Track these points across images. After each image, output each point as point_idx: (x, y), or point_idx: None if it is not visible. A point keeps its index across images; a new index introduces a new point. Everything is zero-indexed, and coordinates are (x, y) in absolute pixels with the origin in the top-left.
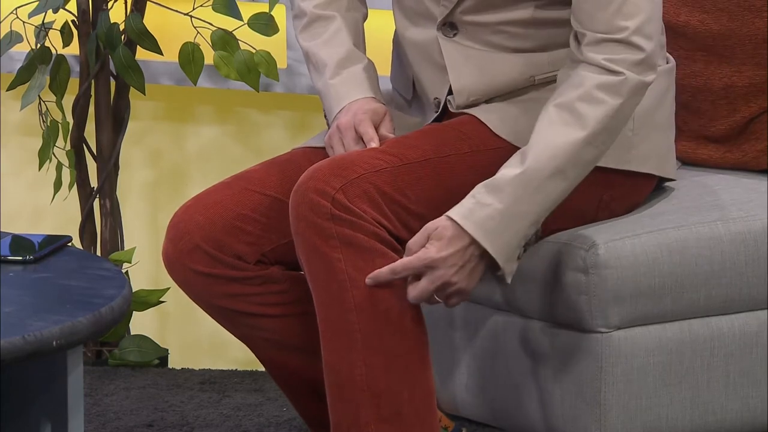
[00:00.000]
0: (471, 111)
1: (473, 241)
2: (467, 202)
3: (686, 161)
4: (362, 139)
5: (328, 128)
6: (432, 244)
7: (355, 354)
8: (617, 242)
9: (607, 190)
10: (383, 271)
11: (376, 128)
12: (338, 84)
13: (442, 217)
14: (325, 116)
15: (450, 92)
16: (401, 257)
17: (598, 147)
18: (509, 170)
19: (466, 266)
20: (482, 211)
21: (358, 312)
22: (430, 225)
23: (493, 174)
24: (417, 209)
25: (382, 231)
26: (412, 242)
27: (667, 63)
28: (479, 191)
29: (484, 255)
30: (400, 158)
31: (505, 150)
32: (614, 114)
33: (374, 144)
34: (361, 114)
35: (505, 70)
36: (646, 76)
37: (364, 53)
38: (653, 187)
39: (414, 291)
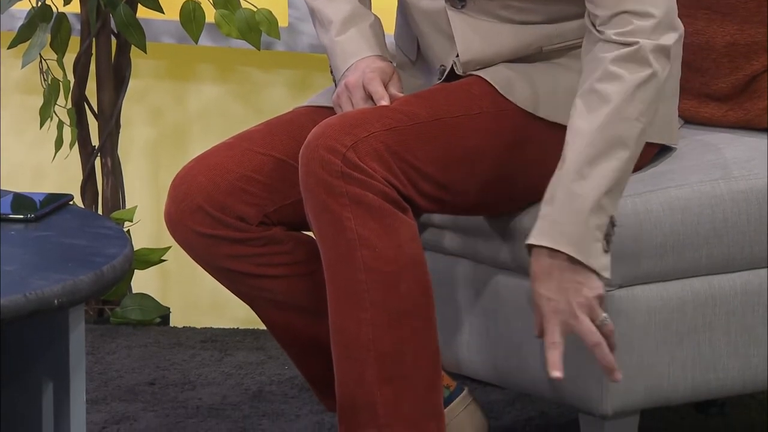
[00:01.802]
0: (478, 72)
1: (549, 250)
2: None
3: (688, 120)
4: (371, 98)
5: (335, 85)
6: (537, 286)
7: (362, 313)
8: (620, 201)
9: None
10: (554, 358)
11: (385, 87)
12: (345, 41)
13: (529, 255)
14: (332, 73)
15: (456, 57)
16: (409, 217)
17: (638, 119)
18: (555, 174)
19: (570, 281)
20: (543, 222)
21: (367, 272)
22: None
23: (500, 136)
24: (425, 169)
25: (391, 190)
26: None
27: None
28: (541, 209)
29: (568, 258)
30: (410, 117)
31: (512, 112)
32: (640, 83)
33: (384, 102)
34: (369, 72)
35: (513, 41)
36: (664, 39)
37: (370, 9)
38: (655, 151)
39: (588, 337)
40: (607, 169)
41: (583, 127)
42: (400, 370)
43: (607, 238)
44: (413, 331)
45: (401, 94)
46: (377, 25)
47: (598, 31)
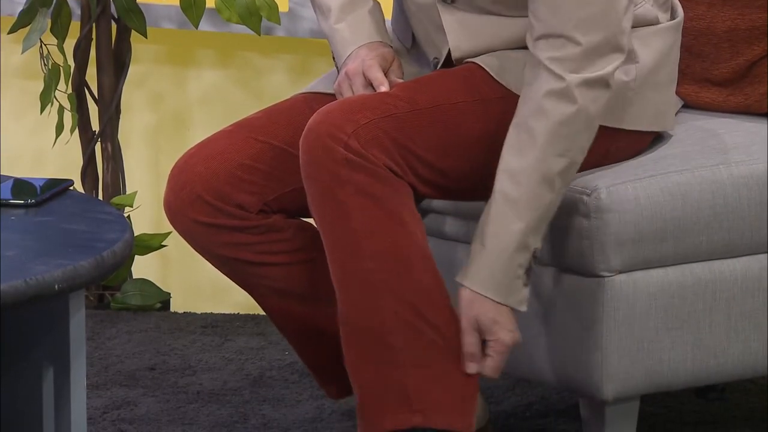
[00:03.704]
0: (473, 59)
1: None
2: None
3: (689, 105)
4: (371, 85)
5: (338, 71)
6: (465, 324)
7: (382, 302)
8: (619, 186)
9: (613, 143)
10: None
11: (385, 73)
12: (343, 29)
13: (462, 291)
14: (334, 60)
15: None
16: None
17: (564, 155)
18: (486, 208)
19: (488, 320)
20: (472, 264)
21: (373, 260)
22: (470, 316)
23: (498, 121)
24: (425, 155)
25: (392, 176)
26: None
27: (673, 18)
28: (472, 244)
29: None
30: (409, 104)
31: (508, 98)
32: (564, 120)
33: (384, 88)
34: (369, 59)
35: (504, 35)
36: (595, 69)
37: None
38: (651, 139)
39: (490, 369)
40: (531, 208)
41: (512, 166)
42: (429, 354)
43: (528, 272)
44: (437, 316)
45: (401, 80)
46: (377, 10)
47: (534, 44)
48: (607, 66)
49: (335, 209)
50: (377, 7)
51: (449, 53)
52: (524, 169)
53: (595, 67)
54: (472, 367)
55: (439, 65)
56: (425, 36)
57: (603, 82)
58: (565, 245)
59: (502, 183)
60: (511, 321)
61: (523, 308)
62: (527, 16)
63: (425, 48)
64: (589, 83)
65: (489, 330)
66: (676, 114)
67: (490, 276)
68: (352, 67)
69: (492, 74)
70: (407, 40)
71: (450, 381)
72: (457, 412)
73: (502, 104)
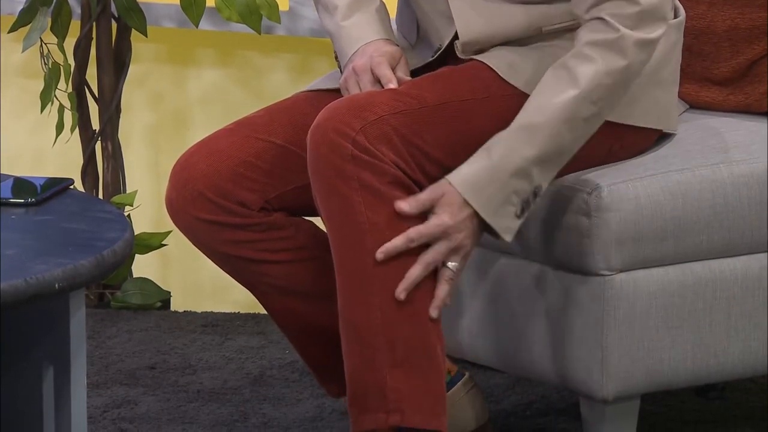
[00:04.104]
0: (479, 57)
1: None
2: (463, 165)
3: (690, 104)
4: (379, 82)
5: (340, 70)
6: (444, 211)
7: (372, 298)
8: (620, 185)
9: (617, 141)
10: (397, 241)
11: (393, 71)
12: (350, 26)
13: (446, 183)
14: (336, 58)
15: (455, 38)
16: None
17: (596, 104)
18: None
19: (472, 228)
20: (469, 168)
21: (373, 256)
22: (437, 191)
23: (505, 119)
24: (433, 153)
25: (400, 174)
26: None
27: (676, 17)
28: (477, 153)
29: (475, 212)
30: (418, 101)
31: (516, 97)
32: (609, 71)
33: (392, 85)
34: (377, 56)
35: (512, 20)
36: (649, 32)
37: None
38: (657, 136)
39: (428, 256)
40: (545, 139)
41: (543, 97)
42: (408, 355)
43: (525, 205)
44: (421, 316)
45: (408, 78)
46: (383, 9)
47: (587, 9)
48: (657, 30)
49: (341, 204)
50: (383, 6)
51: (451, 43)
52: (554, 104)
53: (648, 29)
54: (425, 264)
55: (440, 51)
56: (430, 24)
57: (652, 46)
58: (565, 244)
59: (526, 111)
60: (476, 237)
61: (508, 238)
62: (536, 2)
63: (430, 37)
64: (642, 43)
65: (454, 237)
66: (679, 116)
67: (482, 187)
68: (359, 63)
69: (500, 73)
70: (411, 35)
71: (425, 380)
72: (432, 411)
73: (510, 102)
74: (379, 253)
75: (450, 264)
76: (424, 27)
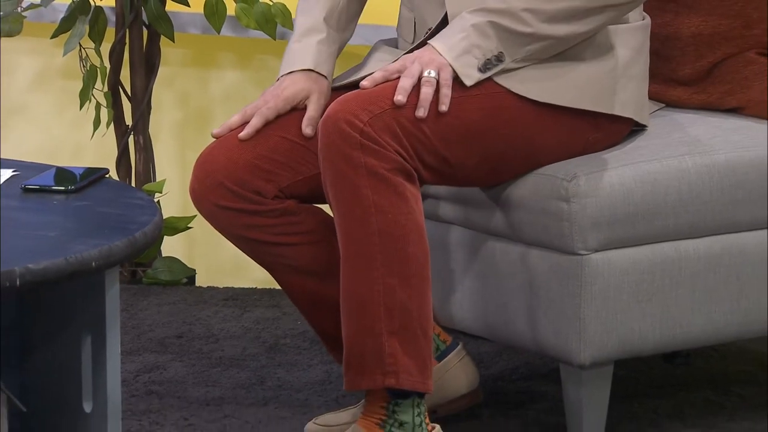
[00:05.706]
0: None
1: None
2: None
3: (658, 102)
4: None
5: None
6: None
7: (375, 273)
8: (596, 174)
9: (594, 132)
10: (377, 75)
11: (293, 109)
12: (293, 50)
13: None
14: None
15: (445, 19)
16: (415, 187)
17: (592, 14)
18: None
19: (439, 57)
20: (446, 31)
21: (380, 235)
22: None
23: (496, 115)
24: (432, 143)
25: (402, 162)
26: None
27: (643, 20)
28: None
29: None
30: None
31: (506, 94)
32: None
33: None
34: (273, 102)
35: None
36: None
37: (339, 26)
38: (630, 129)
39: (408, 71)
40: (524, 15)
41: None
42: (404, 324)
43: (488, 64)
44: (416, 289)
45: (318, 114)
46: (329, 41)
47: None
48: None
49: (349, 187)
50: (330, 39)
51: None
52: None
53: None
54: (410, 77)
55: (430, 31)
56: (424, 13)
57: None
58: (547, 226)
59: None
60: (446, 63)
61: (468, 82)
62: None
63: (425, 27)
64: None
65: (423, 57)
66: (652, 113)
67: (446, 35)
68: (260, 100)
69: (494, 78)
70: (410, 35)
71: (417, 348)
72: (422, 374)
73: (500, 99)
74: (366, 81)
75: (426, 73)
76: (419, 21)
